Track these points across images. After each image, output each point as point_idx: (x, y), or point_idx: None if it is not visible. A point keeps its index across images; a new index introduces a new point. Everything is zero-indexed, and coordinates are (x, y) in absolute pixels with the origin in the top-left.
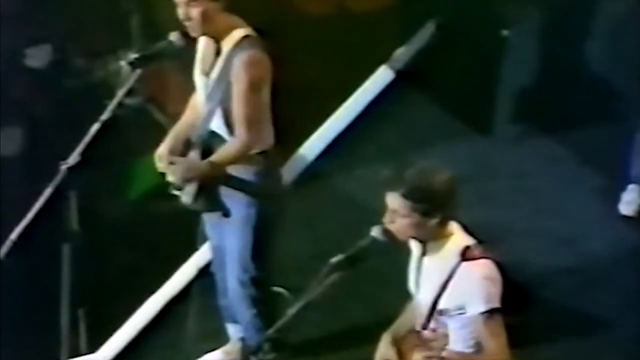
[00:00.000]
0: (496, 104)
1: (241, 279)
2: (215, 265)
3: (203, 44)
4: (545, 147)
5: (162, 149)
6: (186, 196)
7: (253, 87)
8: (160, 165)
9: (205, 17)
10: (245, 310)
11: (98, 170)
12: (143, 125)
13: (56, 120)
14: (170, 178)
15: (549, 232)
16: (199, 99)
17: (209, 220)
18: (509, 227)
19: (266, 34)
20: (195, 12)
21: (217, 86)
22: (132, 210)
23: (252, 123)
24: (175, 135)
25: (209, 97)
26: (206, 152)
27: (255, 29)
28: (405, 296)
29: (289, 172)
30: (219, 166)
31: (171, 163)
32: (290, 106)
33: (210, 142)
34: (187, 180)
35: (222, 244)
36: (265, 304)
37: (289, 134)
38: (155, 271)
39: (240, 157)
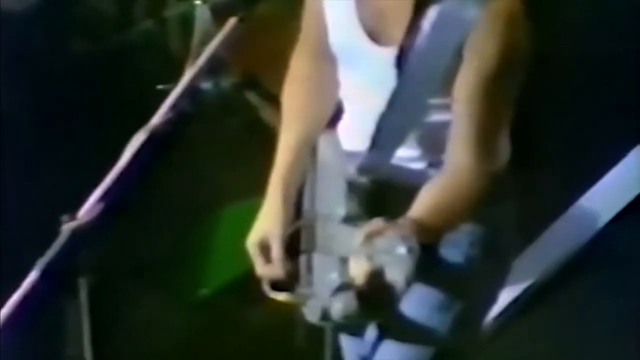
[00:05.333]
0: None
1: None
2: None
3: None
4: None
5: (273, 230)
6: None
7: (511, 68)
8: (268, 270)
9: None
10: None
11: (138, 233)
12: (234, 133)
13: (57, 122)
14: (358, 276)
15: None
16: (350, 96)
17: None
18: None
19: None
20: None
21: (426, 69)
22: (193, 314)
23: (501, 133)
24: (286, 192)
25: (405, 91)
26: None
27: None
28: None
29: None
30: (439, 230)
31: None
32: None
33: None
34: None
35: None
36: None
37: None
38: None
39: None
